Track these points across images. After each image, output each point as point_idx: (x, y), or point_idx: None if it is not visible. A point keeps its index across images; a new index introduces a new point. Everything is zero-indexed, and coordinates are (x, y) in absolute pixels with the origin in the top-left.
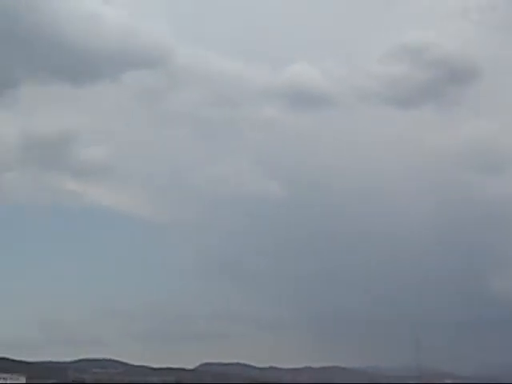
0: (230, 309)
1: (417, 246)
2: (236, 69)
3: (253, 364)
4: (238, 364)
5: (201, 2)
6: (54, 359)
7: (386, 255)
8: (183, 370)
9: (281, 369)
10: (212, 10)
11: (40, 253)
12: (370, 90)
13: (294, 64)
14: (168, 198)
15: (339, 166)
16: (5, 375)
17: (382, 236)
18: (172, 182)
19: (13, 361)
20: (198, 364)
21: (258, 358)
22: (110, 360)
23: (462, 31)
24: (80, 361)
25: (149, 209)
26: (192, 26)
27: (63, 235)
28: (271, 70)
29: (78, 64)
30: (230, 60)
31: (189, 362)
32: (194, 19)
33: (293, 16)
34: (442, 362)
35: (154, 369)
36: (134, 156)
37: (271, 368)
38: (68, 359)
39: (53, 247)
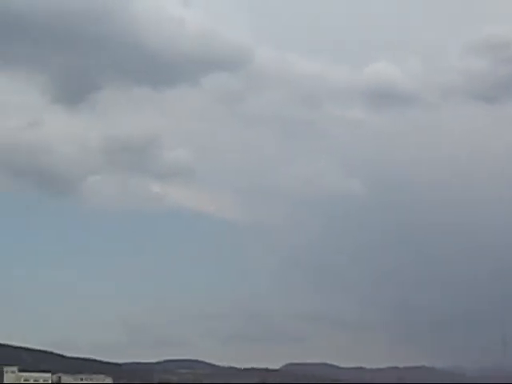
0: (314, 309)
1: (501, 240)
2: (316, 69)
3: (337, 364)
4: (322, 364)
5: (280, 4)
6: (141, 360)
7: (469, 251)
8: (268, 370)
9: (365, 369)
10: (291, 11)
11: (125, 255)
12: (452, 86)
13: (375, 63)
14: (251, 200)
15: (422, 164)
16: (92, 376)
17: (464, 232)
18: (254, 183)
19: (100, 362)
20: (282, 364)
21: (342, 358)
22: (195, 361)
23: None
24: (166, 362)
25: (232, 210)
26: (271, 27)
27: (147, 237)
28: (352, 69)
29: (158, 68)
30: (311, 60)
31: (273, 362)
32: (274, 21)
33: (371, 16)
34: None
35: (239, 369)
36: (216, 158)
37: (356, 368)
38: (154, 360)
39: (137, 249)
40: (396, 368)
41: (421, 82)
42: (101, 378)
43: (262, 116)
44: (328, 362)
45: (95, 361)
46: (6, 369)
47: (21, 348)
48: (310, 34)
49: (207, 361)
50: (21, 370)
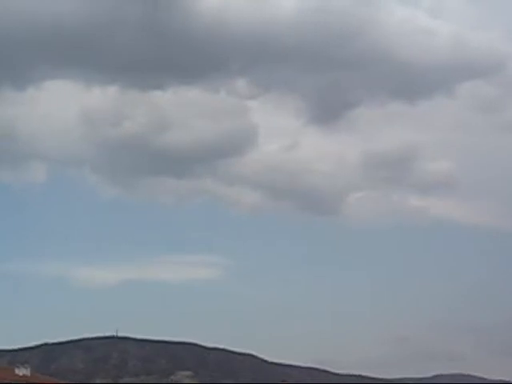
0: None
1: None
2: None
3: None
4: None
5: None
6: (409, 375)
7: None
8: None
9: None
10: None
11: (389, 272)
12: None
13: None
14: None
15: None
16: None
17: None
18: None
19: (366, 377)
20: None
21: None
22: (466, 375)
23: None
24: (434, 377)
25: (496, 219)
26: None
27: (412, 250)
28: None
29: (411, 81)
30: None
31: None
32: None
33: None
34: None
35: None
36: (478, 168)
37: None
38: (422, 375)
39: (402, 265)
40: None
41: None
42: None
43: None
44: None
45: (364, 377)
46: None
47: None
48: None
49: (477, 374)
50: None
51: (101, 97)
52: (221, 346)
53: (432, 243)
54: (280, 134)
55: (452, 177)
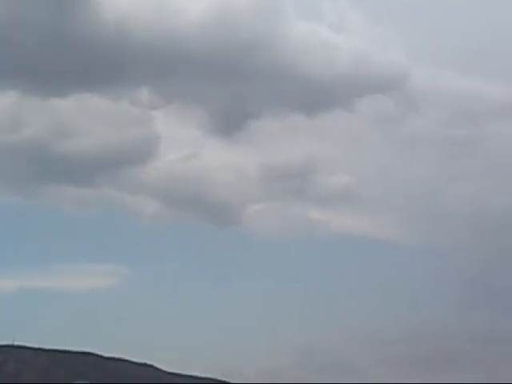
0: (489, 330)
1: None
2: (474, 86)
3: None
4: None
5: (433, 23)
6: None
7: None
8: None
9: None
10: (444, 29)
11: (289, 280)
12: None
13: None
14: (415, 221)
15: None
16: None
17: None
18: (417, 205)
19: None
20: None
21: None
22: None
23: None
24: None
25: (396, 232)
26: (425, 46)
27: (313, 263)
28: (508, 84)
29: (312, 94)
30: (466, 77)
31: None
32: (427, 39)
33: None
34: None
35: None
36: (377, 181)
37: None
38: None
39: (302, 276)
40: None
41: None
42: None
43: (419, 137)
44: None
45: None
46: None
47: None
48: (463, 50)
49: None
50: None
51: None
52: (120, 356)
53: (331, 256)
54: (182, 144)
55: (351, 190)
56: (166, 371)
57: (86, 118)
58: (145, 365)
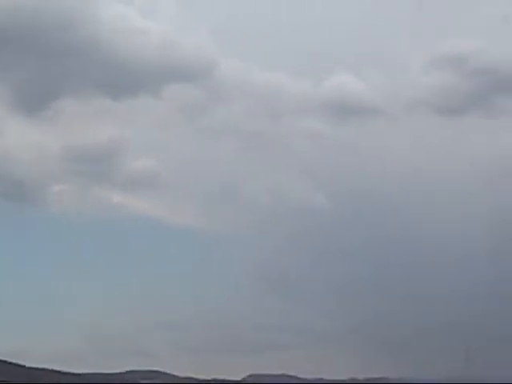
0: (278, 320)
1: (467, 252)
2: (279, 81)
3: (300, 375)
4: (284, 375)
5: (243, 16)
6: (102, 371)
7: (436, 262)
8: (230, 381)
9: (325, 379)
10: (253, 23)
11: (90, 264)
12: (415, 99)
13: (336, 75)
14: (217, 211)
15: (386, 176)
16: None
17: (430, 243)
18: (219, 195)
19: (59, 372)
20: (244, 375)
21: (306, 369)
22: (157, 371)
23: (503, 39)
24: (128, 372)
25: (197, 220)
26: (235, 38)
27: (110, 246)
28: (313, 81)
29: (120, 79)
30: (272, 72)
31: (235, 373)
32: (237, 32)
33: (330, 27)
34: (493, 376)
35: (200, 380)
36: (180, 168)
37: (316, 379)
38: (115, 371)
39: (101, 258)
40: (355, 379)
41: (383, 95)
42: None
43: (224, 127)
44: (291, 373)
45: (55, 371)
46: None
47: None
48: (272, 45)
49: (170, 372)
50: None
51: None
52: None
53: (131, 240)
54: None
55: (154, 176)
56: None
57: None
58: None
